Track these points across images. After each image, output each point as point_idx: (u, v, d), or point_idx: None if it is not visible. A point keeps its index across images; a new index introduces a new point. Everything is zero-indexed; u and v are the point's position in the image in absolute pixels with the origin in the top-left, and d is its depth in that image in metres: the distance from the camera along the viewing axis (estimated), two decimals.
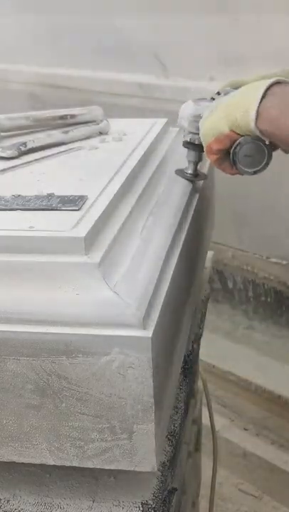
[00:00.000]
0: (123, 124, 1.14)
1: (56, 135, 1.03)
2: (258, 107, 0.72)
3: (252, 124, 0.73)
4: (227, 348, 2.09)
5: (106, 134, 1.09)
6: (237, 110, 0.75)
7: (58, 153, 0.99)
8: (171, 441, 0.77)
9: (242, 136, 0.77)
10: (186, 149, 0.94)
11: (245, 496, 1.84)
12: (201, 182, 1.00)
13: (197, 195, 0.97)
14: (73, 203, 0.74)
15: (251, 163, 0.79)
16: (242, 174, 0.81)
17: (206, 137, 0.81)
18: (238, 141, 0.77)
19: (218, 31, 1.82)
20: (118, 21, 2.06)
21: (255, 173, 0.80)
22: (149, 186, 0.90)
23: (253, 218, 1.90)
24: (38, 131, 1.09)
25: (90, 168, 0.90)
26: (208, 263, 1.28)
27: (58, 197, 0.76)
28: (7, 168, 0.91)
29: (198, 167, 0.97)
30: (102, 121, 1.11)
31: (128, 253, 0.70)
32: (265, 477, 1.84)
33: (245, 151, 0.78)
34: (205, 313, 1.16)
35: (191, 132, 0.90)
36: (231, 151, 0.79)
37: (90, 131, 1.08)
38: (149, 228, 0.78)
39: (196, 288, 1.03)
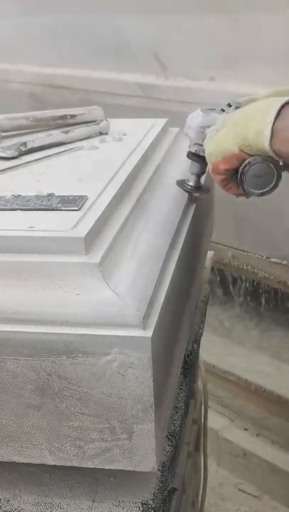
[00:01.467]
0: (123, 124, 1.14)
1: (56, 135, 1.03)
2: (272, 126, 0.68)
3: (266, 144, 0.69)
4: (227, 348, 2.09)
5: (106, 134, 1.09)
6: (248, 129, 0.71)
7: (57, 153, 0.99)
8: (171, 441, 0.77)
9: (251, 155, 0.73)
10: (189, 160, 0.90)
11: (245, 496, 1.85)
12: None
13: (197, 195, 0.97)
14: (73, 203, 0.74)
15: (259, 184, 0.75)
16: (247, 196, 0.78)
17: (212, 156, 0.77)
18: (246, 161, 0.74)
19: (218, 31, 1.82)
20: (118, 21, 2.06)
21: (262, 194, 0.76)
22: (149, 186, 0.90)
23: (253, 218, 1.90)
24: (38, 131, 1.09)
25: (89, 168, 0.90)
26: (208, 263, 1.28)
27: (58, 197, 0.76)
28: (7, 168, 0.91)
29: (201, 179, 0.93)
30: (102, 121, 1.11)
31: (128, 253, 0.70)
32: (265, 477, 1.84)
33: (254, 172, 0.74)
34: (205, 313, 1.16)
35: (197, 143, 0.87)
36: (239, 170, 0.75)
37: (90, 131, 1.08)
38: (149, 228, 0.78)
39: (196, 288, 1.03)
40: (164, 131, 1.14)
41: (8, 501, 0.72)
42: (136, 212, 0.80)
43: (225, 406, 1.99)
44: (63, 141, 1.03)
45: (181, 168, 1.01)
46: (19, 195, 0.77)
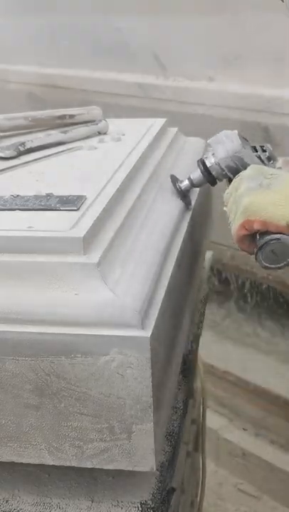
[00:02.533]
0: (122, 124, 1.14)
1: (55, 135, 1.03)
2: None
3: None
4: (226, 347, 2.09)
5: (105, 134, 1.09)
6: None
7: (56, 153, 0.99)
8: (170, 441, 0.77)
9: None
10: (195, 164, 0.87)
11: (244, 496, 1.84)
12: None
13: (196, 194, 0.97)
14: (72, 203, 0.74)
15: (271, 259, 0.72)
16: (256, 259, 0.74)
17: (250, 212, 0.72)
18: (278, 236, 0.71)
19: (218, 31, 1.82)
20: (117, 21, 2.06)
21: (266, 268, 0.73)
22: (148, 186, 0.90)
23: None
24: (36, 131, 1.09)
25: (88, 168, 0.89)
26: (207, 263, 1.28)
27: (57, 197, 0.76)
28: (6, 168, 0.91)
29: (192, 190, 0.90)
30: (100, 121, 1.11)
31: (127, 253, 0.70)
32: (265, 477, 1.84)
33: (275, 247, 0.71)
34: (204, 313, 1.16)
35: (217, 163, 0.84)
36: (264, 239, 0.71)
37: (89, 131, 1.08)
38: (148, 228, 0.78)
39: (194, 288, 1.03)
40: (162, 131, 1.14)
41: (7, 501, 0.72)
42: (134, 212, 0.80)
43: (224, 406, 1.99)
44: (62, 141, 1.03)
45: (180, 167, 1.01)
46: (18, 195, 0.77)
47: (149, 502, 0.69)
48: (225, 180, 0.85)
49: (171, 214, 0.85)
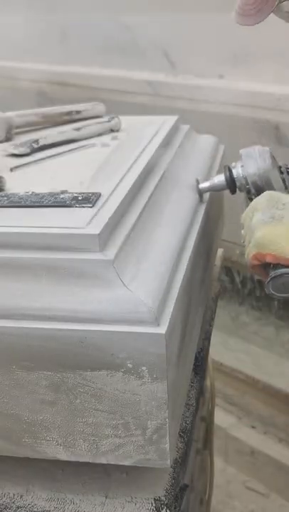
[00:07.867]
0: (134, 122, 1.14)
1: (68, 132, 1.04)
2: None
3: None
4: (235, 345, 2.09)
5: (117, 131, 1.09)
6: None
7: (69, 150, 0.99)
8: (183, 438, 0.77)
9: None
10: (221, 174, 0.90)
11: (252, 494, 1.84)
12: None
13: (208, 194, 0.97)
14: (87, 200, 0.74)
15: (280, 289, 0.75)
16: (267, 291, 0.76)
17: (262, 246, 0.75)
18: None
19: (228, 29, 1.81)
20: (127, 19, 2.06)
21: (272, 296, 0.76)
22: (161, 183, 0.90)
23: None
24: (48, 128, 1.09)
25: (102, 165, 0.90)
26: (217, 261, 1.28)
27: (72, 194, 0.76)
28: (20, 165, 0.91)
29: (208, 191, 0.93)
30: (113, 118, 1.11)
31: (141, 250, 0.71)
32: (273, 475, 1.84)
33: (285, 281, 0.74)
34: (215, 310, 1.15)
35: (244, 177, 0.86)
36: (275, 271, 0.74)
37: (102, 129, 1.08)
38: (162, 225, 0.78)
39: (206, 285, 1.03)
40: (175, 128, 1.14)
41: (21, 496, 0.72)
42: (148, 209, 0.80)
43: (233, 404, 1.99)
44: (75, 138, 1.03)
45: (192, 165, 1.01)
46: (33, 192, 0.77)
47: (163, 498, 0.69)
48: (244, 194, 0.88)
49: (185, 211, 0.85)
